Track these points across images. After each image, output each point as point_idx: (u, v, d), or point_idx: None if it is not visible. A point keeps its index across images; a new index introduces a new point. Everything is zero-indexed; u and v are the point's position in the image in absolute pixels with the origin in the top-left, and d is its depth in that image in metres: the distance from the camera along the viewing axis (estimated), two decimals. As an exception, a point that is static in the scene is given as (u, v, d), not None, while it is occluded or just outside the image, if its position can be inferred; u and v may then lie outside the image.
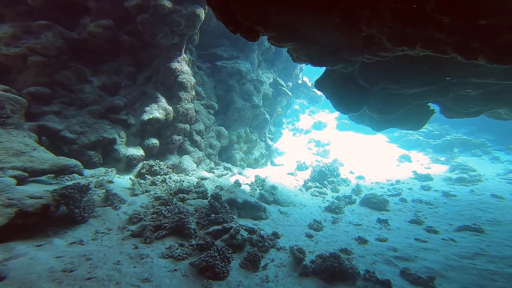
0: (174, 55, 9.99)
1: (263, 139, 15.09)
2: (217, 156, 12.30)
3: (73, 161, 6.45)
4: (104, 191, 6.50)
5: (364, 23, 3.51)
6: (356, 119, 9.38)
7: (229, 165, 12.46)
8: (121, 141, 9.18)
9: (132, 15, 9.29)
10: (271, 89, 15.04)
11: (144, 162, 9.18)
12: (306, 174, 13.92)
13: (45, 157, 6.12)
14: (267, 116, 14.64)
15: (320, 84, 7.97)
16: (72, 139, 7.99)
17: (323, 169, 12.71)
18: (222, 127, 12.56)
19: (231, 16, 3.89)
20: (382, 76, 5.78)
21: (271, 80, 15.18)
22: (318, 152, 18.90)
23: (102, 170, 8.27)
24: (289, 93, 15.52)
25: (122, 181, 7.96)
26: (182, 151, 10.76)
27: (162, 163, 9.61)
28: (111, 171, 8.34)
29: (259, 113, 14.17)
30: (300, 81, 18.74)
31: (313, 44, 4.35)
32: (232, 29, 4.21)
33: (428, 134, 22.29)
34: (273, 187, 10.54)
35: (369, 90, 6.92)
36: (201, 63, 12.81)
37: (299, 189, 11.98)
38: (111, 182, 7.23)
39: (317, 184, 12.20)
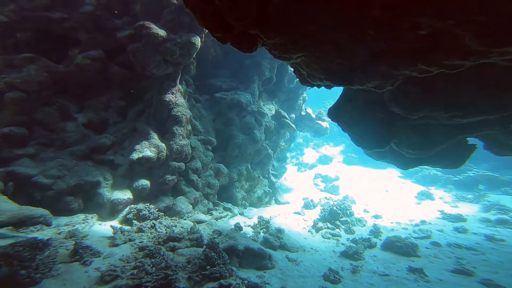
0: (168, 86, 9.36)
1: (266, 176, 14.06)
2: (216, 196, 11.22)
3: (38, 211, 5.51)
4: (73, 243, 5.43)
5: (429, 13, 2.33)
6: (376, 155, 8.02)
7: (229, 205, 11.33)
8: (107, 184, 8.24)
9: (124, 46, 8.83)
10: (273, 122, 14.33)
11: (132, 206, 8.14)
12: (314, 213, 12.69)
13: (4, 207, 5.20)
14: (269, 151, 13.75)
15: (335, 112, 6.81)
16: (47, 185, 7.07)
17: (334, 208, 11.52)
18: (222, 165, 11.61)
19: (218, 17, 3.03)
20: (426, 100, 4.47)
21: (273, 112, 14.53)
22: (326, 188, 17.67)
23: (80, 217, 7.24)
24: (293, 125, 14.78)
25: (102, 229, 6.89)
26: (176, 192, 9.73)
27: (153, 206, 8.57)
28: (92, 217, 7.31)
29: (261, 148, 13.30)
30: (303, 113, 18.08)
31: (334, 53, 3.29)
32: (220, 36, 3.36)
33: (446, 169, 20.81)
34: (279, 230, 9.35)
35: (401, 120, 5.71)
36: (199, 95, 12.24)
37: (308, 231, 10.72)
38: (85, 236, 6.08)
39: (329, 225, 10.94)
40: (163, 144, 9.17)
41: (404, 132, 6.12)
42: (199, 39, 9.09)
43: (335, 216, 11.29)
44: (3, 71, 7.96)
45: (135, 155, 8.48)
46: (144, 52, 8.45)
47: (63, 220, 6.87)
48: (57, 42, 8.95)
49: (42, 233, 5.72)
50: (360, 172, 23.60)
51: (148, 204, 8.49)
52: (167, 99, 9.34)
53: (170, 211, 9.10)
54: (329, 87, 4.27)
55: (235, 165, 12.26)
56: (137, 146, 8.73)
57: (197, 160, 10.44)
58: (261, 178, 13.44)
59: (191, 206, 9.61)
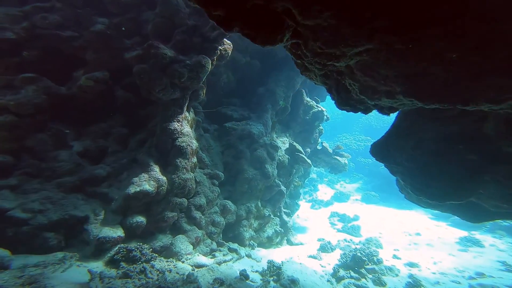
0: (173, 113, 8.60)
1: (278, 214, 12.77)
2: (221, 235, 10.00)
3: None
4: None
5: None
6: (427, 203, 5.80)
7: (235, 246, 10.06)
8: (96, 220, 7.29)
9: (132, 68, 8.29)
10: (287, 156, 13.30)
11: (121, 245, 7.08)
12: (333, 258, 11.15)
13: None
14: (282, 187, 12.57)
15: (382, 151, 5.19)
16: (23, 220, 6.22)
17: (358, 253, 9.98)
18: (229, 201, 10.50)
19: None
20: None
21: (287, 145, 13.56)
22: (345, 228, 15.97)
23: (58, 256, 6.24)
24: (308, 161, 13.64)
25: (78, 273, 5.81)
26: (176, 230, 8.64)
27: (147, 245, 7.49)
28: (71, 257, 6.30)
29: (273, 184, 12.17)
30: (319, 147, 16.93)
31: (447, 41, 1.78)
32: (223, 16, 2.12)
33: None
34: (293, 281, 7.97)
35: (495, 163, 3.92)
36: (208, 125, 11.48)
37: (328, 280, 9.16)
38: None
39: (352, 273, 9.38)
40: (164, 178, 8.25)
41: (497, 180, 4.10)
42: (210, 61, 8.47)
43: (359, 263, 9.73)
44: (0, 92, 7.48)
45: (131, 189, 7.58)
46: (150, 74, 7.84)
47: (35, 259, 5.88)
48: (64, 63, 8.55)
49: (-2, 278, 4.73)
50: (382, 212, 21.44)
51: (141, 243, 7.42)
52: (172, 128, 8.56)
53: (166, 252, 7.98)
54: (390, 111, 2.81)
55: (244, 201, 11.12)
56: (135, 179, 7.86)
57: (202, 196, 9.42)
58: (272, 216, 12.17)
59: (191, 247, 8.45)
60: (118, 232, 7.22)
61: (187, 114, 9.22)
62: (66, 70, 8.54)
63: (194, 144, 9.23)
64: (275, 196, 12.34)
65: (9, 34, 7.78)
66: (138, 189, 7.58)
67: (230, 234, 10.66)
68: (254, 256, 10.23)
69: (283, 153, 13.24)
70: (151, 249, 7.59)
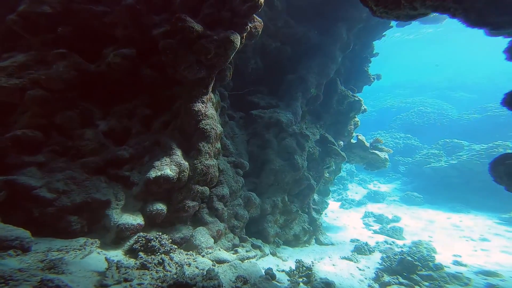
0: (198, 93, 8.44)
1: (306, 210, 12.44)
2: (244, 230, 9.85)
3: (16, 232, 4.72)
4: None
5: None
6: None
7: (259, 242, 9.91)
8: (117, 205, 7.36)
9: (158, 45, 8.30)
10: (317, 148, 12.89)
11: (140, 234, 7.09)
12: (371, 261, 10.70)
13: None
14: (312, 181, 12.21)
15: None
16: (49, 200, 6.32)
17: (407, 257, 9.31)
18: (253, 193, 10.33)
19: None
20: None
21: (317, 136, 13.13)
22: (383, 230, 15.22)
23: (80, 241, 6.34)
24: (342, 153, 13.13)
25: (98, 261, 5.84)
26: (197, 221, 8.57)
27: (166, 236, 7.45)
28: (92, 243, 6.36)
29: (302, 177, 11.84)
30: (353, 141, 16.18)
31: None
32: None
33: None
34: (328, 284, 7.57)
35: None
36: (233, 112, 11.34)
37: (368, 285, 8.73)
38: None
39: (400, 279, 8.80)
40: (186, 163, 8.17)
41: None
42: (239, 38, 8.21)
43: (409, 267, 9.11)
44: (32, 67, 7.66)
45: (152, 173, 7.55)
46: (177, 50, 7.74)
47: (58, 244, 5.99)
48: (95, 40, 8.68)
49: (20, 260, 4.81)
50: (429, 215, 20.04)
51: (161, 233, 7.39)
52: (196, 109, 8.40)
53: (186, 244, 7.92)
54: None
55: (269, 195, 10.90)
56: (157, 163, 7.82)
57: (225, 186, 9.29)
58: (299, 212, 11.87)
59: (212, 240, 8.34)
60: (138, 220, 7.24)
61: (212, 95, 9.07)
62: (97, 48, 8.67)
63: (219, 128, 9.06)
64: (304, 191, 12.01)
65: (46, 8, 7.93)
66: (159, 174, 7.53)
67: (253, 229, 10.51)
68: (280, 255, 10.04)
69: (314, 144, 12.85)
70: (170, 240, 7.55)
